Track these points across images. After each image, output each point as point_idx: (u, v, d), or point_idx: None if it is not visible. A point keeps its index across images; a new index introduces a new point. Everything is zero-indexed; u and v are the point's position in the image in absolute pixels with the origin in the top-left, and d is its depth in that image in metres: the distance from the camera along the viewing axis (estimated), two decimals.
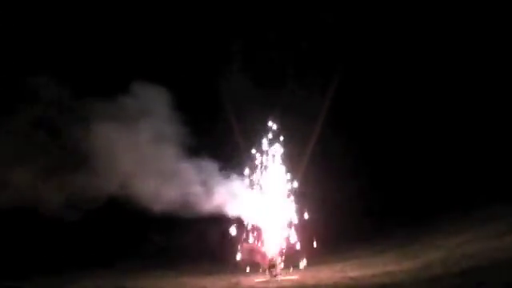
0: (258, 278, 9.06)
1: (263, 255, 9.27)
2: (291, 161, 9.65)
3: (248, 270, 9.39)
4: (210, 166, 9.15)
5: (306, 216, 9.35)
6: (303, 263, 9.23)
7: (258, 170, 9.45)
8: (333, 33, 12.28)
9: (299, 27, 12.42)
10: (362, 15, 12.49)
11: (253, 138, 9.60)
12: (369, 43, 12.54)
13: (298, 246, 9.23)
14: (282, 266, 9.19)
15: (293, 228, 9.37)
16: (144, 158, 8.64)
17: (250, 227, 9.32)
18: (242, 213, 9.21)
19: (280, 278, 8.96)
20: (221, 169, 9.19)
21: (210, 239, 10.51)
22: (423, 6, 12.21)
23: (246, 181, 9.29)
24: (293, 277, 8.91)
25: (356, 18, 12.47)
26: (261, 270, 9.27)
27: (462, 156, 11.95)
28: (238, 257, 9.23)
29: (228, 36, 12.09)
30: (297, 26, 12.43)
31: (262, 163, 9.44)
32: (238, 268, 9.52)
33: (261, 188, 9.39)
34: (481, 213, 9.98)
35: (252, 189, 9.28)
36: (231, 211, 9.13)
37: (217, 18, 12.24)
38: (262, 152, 9.48)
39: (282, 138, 9.53)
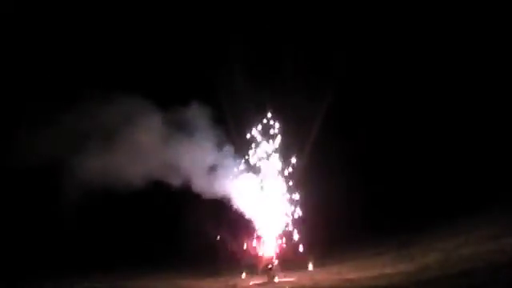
0: (255, 281, 9.07)
1: (260, 257, 9.29)
2: (288, 160, 9.67)
3: (245, 272, 9.41)
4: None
5: (302, 217, 9.39)
6: (310, 265, 9.34)
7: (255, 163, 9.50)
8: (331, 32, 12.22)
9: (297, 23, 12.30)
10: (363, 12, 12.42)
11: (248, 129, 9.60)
12: (367, 45, 12.52)
13: (300, 249, 9.24)
14: (278, 268, 9.20)
15: (290, 230, 9.39)
16: None
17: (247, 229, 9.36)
18: (242, 208, 9.27)
19: (277, 280, 8.96)
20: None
21: (208, 241, 10.50)
22: (422, 6, 12.23)
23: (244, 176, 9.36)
24: (290, 279, 8.91)
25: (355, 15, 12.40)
26: (258, 272, 9.28)
27: (460, 159, 11.97)
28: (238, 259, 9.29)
29: (225, 30, 11.97)
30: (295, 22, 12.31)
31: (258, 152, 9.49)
32: (234, 270, 9.53)
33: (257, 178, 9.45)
34: (477, 216, 10.00)
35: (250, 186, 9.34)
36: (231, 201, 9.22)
37: (215, 10, 12.19)
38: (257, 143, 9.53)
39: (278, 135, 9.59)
